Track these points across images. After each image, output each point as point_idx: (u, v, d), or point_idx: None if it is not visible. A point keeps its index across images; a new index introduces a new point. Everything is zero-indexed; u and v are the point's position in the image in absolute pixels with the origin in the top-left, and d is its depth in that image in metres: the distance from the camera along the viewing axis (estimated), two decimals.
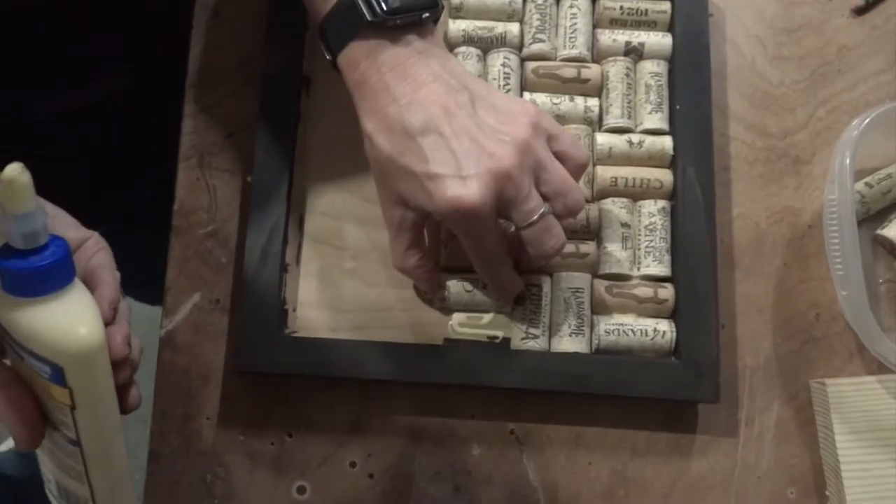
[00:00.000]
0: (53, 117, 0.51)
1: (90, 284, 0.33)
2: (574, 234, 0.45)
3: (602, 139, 0.46)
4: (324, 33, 0.40)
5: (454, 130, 0.37)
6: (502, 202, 0.37)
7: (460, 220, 0.37)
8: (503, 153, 0.36)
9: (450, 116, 0.37)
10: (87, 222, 0.37)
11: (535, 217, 0.38)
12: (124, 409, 0.33)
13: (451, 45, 0.48)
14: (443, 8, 0.40)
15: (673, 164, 0.46)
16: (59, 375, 0.28)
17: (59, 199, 0.35)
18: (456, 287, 0.44)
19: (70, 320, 0.28)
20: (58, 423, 0.30)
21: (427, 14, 0.39)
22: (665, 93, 0.47)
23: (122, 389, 0.32)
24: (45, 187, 0.29)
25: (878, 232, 0.47)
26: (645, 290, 0.44)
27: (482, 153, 0.36)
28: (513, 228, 0.39)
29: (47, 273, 0.27)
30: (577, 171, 0.40)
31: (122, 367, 0.32)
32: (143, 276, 0.51)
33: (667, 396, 0.43)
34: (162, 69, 0.53)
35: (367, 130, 0.39)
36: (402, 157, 0.37)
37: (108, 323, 0.32)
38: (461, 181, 0.36)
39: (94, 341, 0.28)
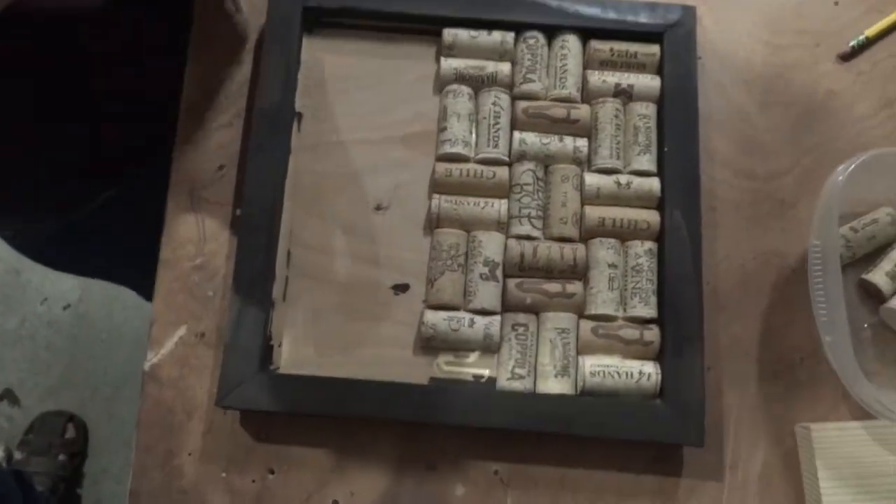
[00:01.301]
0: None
1: None
2: (561, 274, 0.45)
3: (591, 179, 0.46)
4: None
5: None
6: None
7: None
8: None
9: None
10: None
11: None
12: None
13: (442, 83, 0.48)
14: None
15: (660, 205, 0.46)
16: None
17: None
18: (443, 325, 0.44)
19: None
20: None
21: None
22: (653, 135, 0.47)
23: None
24: None
25: (864, 276, 0.47)
26: (631, 332, 0.44)
27: None
28: None
29: None
30: None
31: None
32: (143, 265, 0.50)
33: (652, 439, 0.43)
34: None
35: None
36: None
37: None
38: None
39: None
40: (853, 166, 0.44)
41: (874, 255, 0.47)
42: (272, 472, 0.44)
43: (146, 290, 0.81)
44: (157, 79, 0.54)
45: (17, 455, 1.18)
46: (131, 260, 0.72)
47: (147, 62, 0.55)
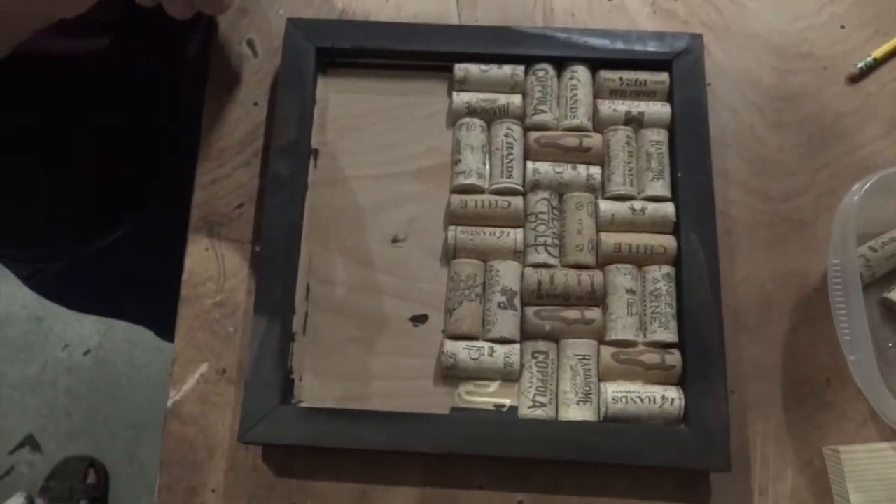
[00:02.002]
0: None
1: None
2: (580, 301, 0.45)
3: (605, 206, 0.47)
4: None
5: None
6: None
7: None
8: None
9: None
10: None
11: None
12: None
13: (455, 117, 0.49)
14: None
15: (676, 229, 0.46)
16: None
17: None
18: (463, 355, 0.44)
19: None
20: None
21: None
22: (666, 160, 0.48)
23: None
24: None
25: (886, 295, 0.46)
26: (652, 357, 0.44)
27: None
28: None
29: None
30: None
31: None
32: (161, 306, 0.51)
33: (677, 465, 0.42)
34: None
35: None
36: None
37: None
38: None
39: None
40: (868, 184, 0.44)
41: (894, 273, 0.47)
42: None
43: (162, 327, 0.82)
44: (155, 119, 0.55)
45: (39, 502, 1.18)
46: (145, 298, 0.73)
47: (149, 103, 0.56)
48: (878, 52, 0.52)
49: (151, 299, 0.60)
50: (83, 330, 1.31)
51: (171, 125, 0.51)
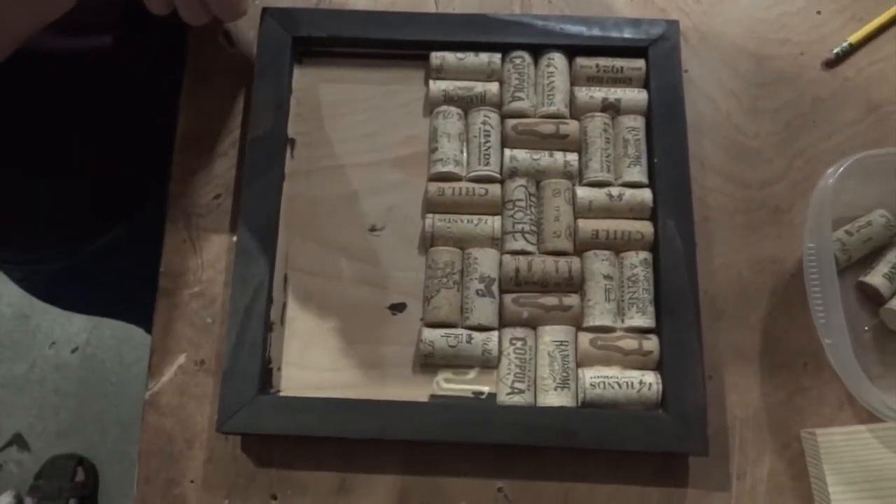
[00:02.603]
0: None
1: None
2: (557, 287, 0.45)
3: (582, 193, 0.47)
4: None
5: None
6: None
7: None
8: None
9: None
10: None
11: None
12: None
13: (432, 105, 0.49)
14: None
15: (653, 216, 0.46)
16: None
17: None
18: (441, 343, 0.44)
19: None
20: None
21: None
22: (643, 147, 0.48)
23: None
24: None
25: (862, 279, 0.47)
26: (629, 342, 0.44)
27: None
28: None
29: None
30: None
31: None
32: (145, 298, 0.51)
33: (655, 450, 0.42)
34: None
35: None
36: None
37: None
38: None
39: None
40: (843, 168, 0.44)
41: (870, 257, 0.47)
42: (275, 498, 0.44)
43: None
44: (155, 119, 0.55)
45: (28, 501, 1.17)
46: (139, 297, 0.72)
47: (149, 103, 0.56)
48: (855, 38, 0.52)
49: (146, 299, 0.59)
50: (71, 327, 1.31)
51: (171, 125, 0.51)
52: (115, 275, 0.67)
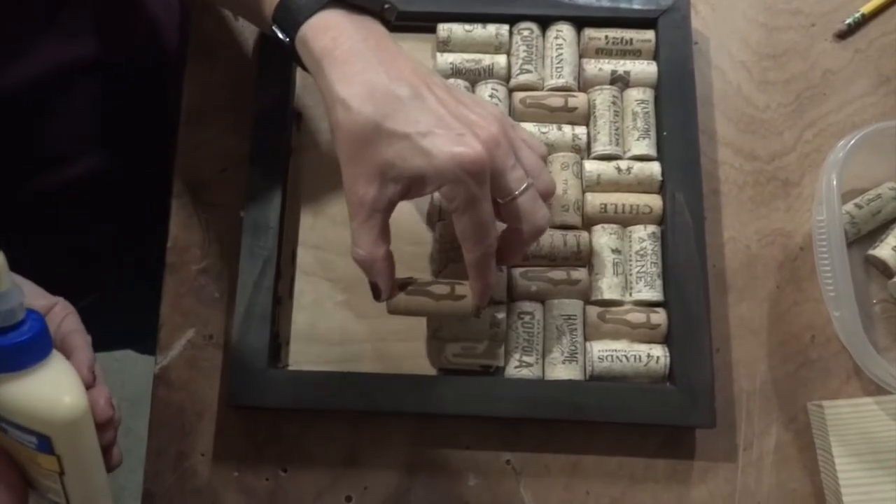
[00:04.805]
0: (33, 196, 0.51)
1: (64, 350, 0.33)
2: (565, 261, 0.45)
3: (590, 166, 0.46)
4: (285, 9, 0.38)
5: (438, 99, 0.36)
6: (494, 168, 0.36)
7: (462, 177, 0.35)
8: (488, 123, 0.36)
9: (430, 87, 0.37)
10: (82, 287, 0.36)
11: (525, 185, 0.37)
12: (109, 468, 0.33)
13: None
14: (397, 10, 0.40)
15: (662, 189, 0.46)
16: (46, 445, 0.28)
17: (46, 270, 0.36)
18: None
19: (54, 390, 0.28)
20: (45, 490, 0.31)
21: (388, 5, 0.40)
22: (652, 119, 0.47)
23: (106, 450, 0.32)
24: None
25: (870, 252, 0.47)
26: (637, 316, 0.44)
27: (468, 121, 0.36)
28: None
29: (27, 347, 0.27)
30: (540, 159, 0.41)
31: (106, 427, 0.32)
32: (142, 329, 0.50)
33: (663, 422, 0.42)
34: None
35: (342, 96, 0.36)
36: (387, 119, 0.35)
37: (89, 386, 0.32)
38: (459, 137, 0.35)
39: (80, 408, 0.29)
40: (853, 141, 0.44)
41: (879, 230, 0.47)
42: (284, 471, 0.44)
43: (144, 346, 0.78)
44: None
45: None
46: (127, 338, 0.71)
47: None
48: (867, 8, 0.51)
49: (132, 341, 0.57)
50: None
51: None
52: (98, 324, 0.64)
